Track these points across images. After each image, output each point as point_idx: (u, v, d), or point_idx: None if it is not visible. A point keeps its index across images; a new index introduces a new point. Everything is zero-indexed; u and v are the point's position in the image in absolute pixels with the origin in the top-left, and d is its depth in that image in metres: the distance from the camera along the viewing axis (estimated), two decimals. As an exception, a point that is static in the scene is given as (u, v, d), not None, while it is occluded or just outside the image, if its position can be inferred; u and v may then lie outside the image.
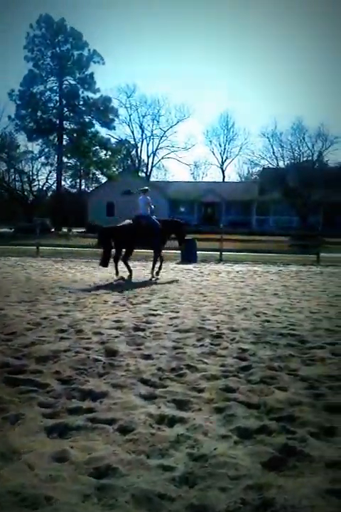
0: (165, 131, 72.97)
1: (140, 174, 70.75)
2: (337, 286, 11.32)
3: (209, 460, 2.82)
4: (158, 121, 72.89)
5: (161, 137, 73.70)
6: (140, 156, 75.91)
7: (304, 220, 41.89)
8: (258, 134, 51.67)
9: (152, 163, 75.31)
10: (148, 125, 73.51)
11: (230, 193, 54.42)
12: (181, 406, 3.66)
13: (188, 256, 17.55)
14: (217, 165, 79.07)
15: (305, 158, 48.46)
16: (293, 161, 47.99)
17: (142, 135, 73.94)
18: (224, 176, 76.75)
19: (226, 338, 5.81)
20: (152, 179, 70.66)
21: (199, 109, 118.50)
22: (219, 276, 13.12)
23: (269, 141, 48.73)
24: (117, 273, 11.92)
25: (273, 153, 48.53)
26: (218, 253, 19.59)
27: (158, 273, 12.48)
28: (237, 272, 14.44)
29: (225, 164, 78.47)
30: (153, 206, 12.70)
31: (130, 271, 11.89)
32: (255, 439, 3.11)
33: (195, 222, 50.68)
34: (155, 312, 7.46)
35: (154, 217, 12.58)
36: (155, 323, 6.61)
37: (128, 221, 12.33)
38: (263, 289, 10.33)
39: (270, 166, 49.90)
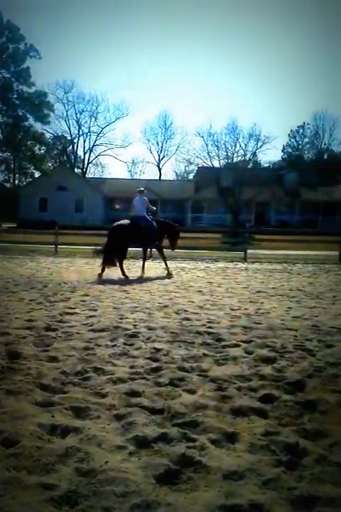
0: (102, 128, 72.26)
1: (76, 170, 69.54)
2: (259, 282, 11.44)
3: (97, 475, 2.55)
4: (95, 118, 72.11)
5: (98, 134, 72.92)
6: (76, 152, 74.72)
7: (236, 217, 42.57)
8: (194, 133, 52.21)
9: (89, 159, 74.36)
10: (86, 122, 72.55)
11: (166, 191, 54.58)
12: (78, 414, 3.37)
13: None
14: (154, 163, 79.24)
15: (238, 158, 49.41)
16: (227, 160, 48.78)
17: (79, 131, 72.86)
18: (160, 174, 76.98)
19: (142, 338, 5.59)
20: (88, 176, 69.76)
21: (138, 108, 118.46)
22: (146, 273, 12.89)
23: (204, 140, 49.25)
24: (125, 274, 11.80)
25: (208, 152, 49.09)
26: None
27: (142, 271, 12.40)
28: (164, 268, 14.25)
29: (162, 162, 78.80)
30: (154, 208, 13.18)
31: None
32: (152, 449, 2.88)
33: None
34: (72, 310, 7.13)
35: (150, 217, 12.69)
36: (69, 323, 6.28)
37: (126, 221, 12.36)
38: (187, 286, 10.23)
39: (204, 164, 50.46)
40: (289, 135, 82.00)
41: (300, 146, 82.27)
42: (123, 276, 11.66)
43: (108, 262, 11.79)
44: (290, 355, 5.04)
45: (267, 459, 2.79)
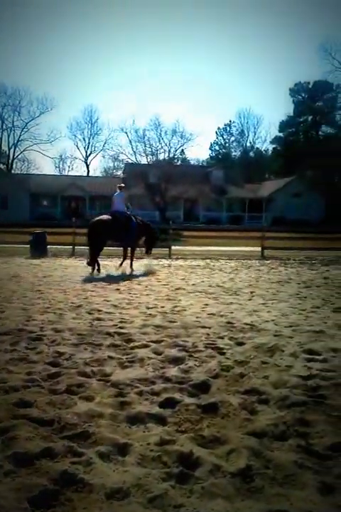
0: (26, 123, 70.13)
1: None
2: (180, 279, 11.36)
3: None
4: (19, 113, 69.88)
5: (23, 129, 70.68)
6: (0, 147, 72.03)
7: (163, 214, 42.58)
8: (117, 128, 51.44)
9: (14, 155, 71.85)
10: (9, 116, 70.09)
11: (94, 188, 53.66)
12: None
13: (37, 250, 16.60)
14: (81, 159, 77.89)
15: (162, 154, 49.48)
16: (152, 157, 48.69)
17: (2, 126, 70.25)
18: (88, 171, 75.88)
19: (46, 341, 5.27)
20: (14, 171, 67.50)
21: (64, 102, 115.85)
22: (66, 271, 12.49)
23: (127, 136, 48.86)
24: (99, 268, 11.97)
25: (133, 148, 48.76)
26: (71, 247, 18.91)
27: (121, 265, 12.78)
28: (85, 266, 13.87)
29: (90, 159, 77.63)
30: (129, 204, 13.22)
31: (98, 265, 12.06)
32: (32, 467, 2.62)
33: (58, 216, 49.26)
34: (-26, 313, 6.67)
35: (130, 213, 12.84)
36: (-31, 326, 5.85)
37: (106, 216, 12.41)
38: (105, 285, 9.94)
39: (129, 161, 50.09)
40: (216, 133, 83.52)
41: (227, 144, 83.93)
42: (90, 268, 11.93)
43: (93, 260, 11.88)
44: (199, 355, 4.92)
45: (157, 472, 2.61)
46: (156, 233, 14.26)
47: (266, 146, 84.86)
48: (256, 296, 9.03)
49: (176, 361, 4.68)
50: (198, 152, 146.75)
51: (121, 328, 5.94)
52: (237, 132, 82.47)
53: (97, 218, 12.27)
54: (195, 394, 3.84)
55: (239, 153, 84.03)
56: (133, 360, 4.60)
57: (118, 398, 3.62)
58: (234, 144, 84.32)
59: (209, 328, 6.20)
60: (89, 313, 6.80)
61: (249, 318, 6.84)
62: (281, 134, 75.56)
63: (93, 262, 11.93)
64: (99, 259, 12.28)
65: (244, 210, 56.00)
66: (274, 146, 79.19)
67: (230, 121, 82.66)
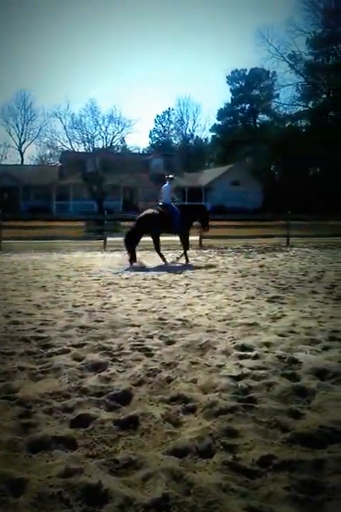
0: None
1: None
2: (114, 273, 10.91)
3: None
4: None
5: None
6: None
7: (100, 204, 41.68)
8: (50, 114, 49.35)
9: None
10: None
11: (29, 178, 51.90)
12: None
13: None
14: (15, 147, 75.12)
15: (100, 141, 48.36)
16: (88, 144, 47.45)
17: None
18: (22, 159, 73.33)
19: None
20: None
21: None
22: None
23: (61, 121, 47.33)
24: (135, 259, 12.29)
25: (67, 135, 47.27)
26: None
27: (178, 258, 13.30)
28: (12, 262, 13.19)
29: (24, 146, 75.01)
30: (174, 195, 13.41)
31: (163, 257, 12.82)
32: None
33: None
34: None
35: (174, 204, 13.06)
36: None
37: (151, 210, 12.91)
38: (31, 281, 9.34)
39: (64, 148, 48.59)
40: (155, 120, 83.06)
41: (166, 132, 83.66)
42: (163, 262, 12.62)
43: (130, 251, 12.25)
44: (124, 358, 4.52)
45: (53, 516, 2.18)
46: (208, 212, 14.66)
47: (205, 134, 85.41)
48: (191, 289, 8.74)
49: (97, 368, 4.25)
50: (138, 140, 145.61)
51: (40, 331, 5.41)
52: (176, 120, 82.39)
53: (144, 213, 12.77)
54: (114, 407, 3.44)
55: (179, 141, 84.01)
56: (47, 370, 4.12)
57: (23, 419, 3.15)
58: (174, 131, 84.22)
59: (139, 326, 5.82)
60: (6, 317, 6.19)
61: (181, 313, 6.52)
62: (220, 122, 76.17)
63: (133, 257, 12.31)
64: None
65: (184, 198, 55.97)
66: (213, 134, 79.78)
67: (169, 108, 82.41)
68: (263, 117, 73.76)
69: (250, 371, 4.04)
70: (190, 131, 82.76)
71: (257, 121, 74.28)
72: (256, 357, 4.47)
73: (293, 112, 62.48)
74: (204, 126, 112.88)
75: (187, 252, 13.15)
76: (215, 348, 4.81)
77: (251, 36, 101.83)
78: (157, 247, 12.99)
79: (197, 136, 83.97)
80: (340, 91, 57.76)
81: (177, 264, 12.75)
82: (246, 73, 71.23)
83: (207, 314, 6.46)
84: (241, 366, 4.19)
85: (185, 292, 8.36)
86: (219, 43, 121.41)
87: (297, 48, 58.27)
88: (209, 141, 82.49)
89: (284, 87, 62.02)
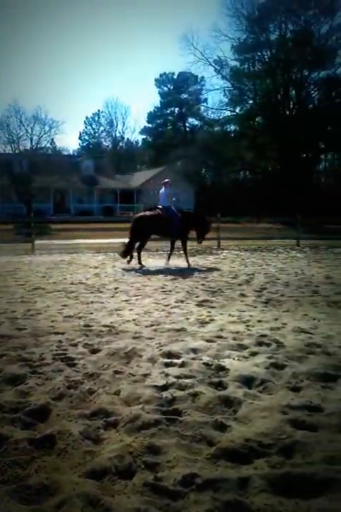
0: None
1: None
2: (40, 277, 10.50)
3: None
4: None
5: None
6: None
7: (29, 206, 40.51)
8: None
9: None
10: None
11: None
12: None
13: None
14: None
15: (25, 142, 47.15)
16: (14, 145, 46.10)
17: None
18: None
19: None
20: None
21: None
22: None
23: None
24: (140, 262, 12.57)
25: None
26: None
27: (187, 260, 13.22)
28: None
29: None
30: (174, 199, 13.49)
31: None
32: None
33: None
34: None
35: (173, 208, 13.15)
36: None
37: (149, 212, 13.09)
38: None
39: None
40: (85, 122, 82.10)
41: (96, 134, 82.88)
42: (139, 265, 12.50)
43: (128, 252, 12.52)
44: (45, 370, 4.25)
45: None
46: (208, 224, 14.33)
47: (135, 136, 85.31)
48: (119, 293, 8.53)
49: (14, 381, 3.97)
50: (68, 142, 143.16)
51: None
52: (106, 122, 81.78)
53: (140, 214, 12.97)
54: (30, 424, 3.19)
55: (110, 143, 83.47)
56: None
57: None
58: (104, 134, 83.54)
59: (63, 333, 5.55)
60: None
61: (108, 319, 6.31)
62: (150, 125, 76.38)
63: (127, 253, 12.62)
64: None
65: (115, 201, 55.60)
66: (144, 136, 79.93)
67: (99, 110, 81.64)
68: (192, 121, 74.82)
69: (176, 380, 3.91)
70: (119, 133, 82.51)
71: (187, 124, 75.22)
72: (182, 365, 4.34)
73: (221, 116, 63.78)
74: (134, 129, 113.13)
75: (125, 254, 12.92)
76: (141, 356, 4.65)
77: (178, 40, 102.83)
78: (140, 247, 12.95)
79: (127, 139, 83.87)
80: (266, 97, 59.59)
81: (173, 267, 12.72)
82: (175, 77, 71.90)
83: (134, 320, 6.28)
84: (166, 375, 4.05)
85: (113, 296, 8.15)
86: (147, 46, 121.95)
87: (222, 54, 59.54)
88: (140, 143, 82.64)
89: (212, 92, 63.23)
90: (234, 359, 4.49)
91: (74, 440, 2.95)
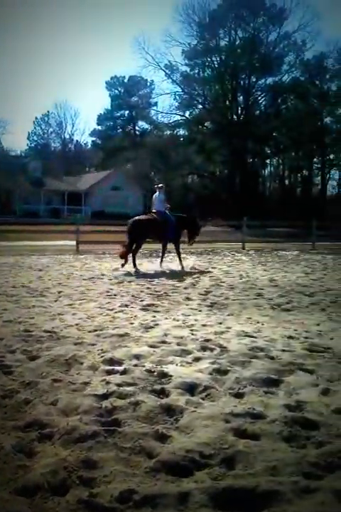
0: None
1: None
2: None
3: None
4: None
5: None
6: None
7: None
8: None
9: None
10: None
11: None
12: None
13: None
14: None
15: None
16: None
17: None
18: None
19: None
20: None
21: None
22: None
23: None
24: (135, 265, 12.46)
25: None
26: None
27: (161, 261, 13.40)
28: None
29: None
30: (168, 205, 13.50)
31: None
32: None
33: None
34: None
35: (168, 212, 13.26)
36: None
37: (144, 216, 13.31)
38: None
39: None
40: (34, 123, 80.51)
41: (45, 135, 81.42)
42: (134, 269, 12.31)
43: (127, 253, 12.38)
44: (-22, 379, 4.00)
45: None
46: (200, 226, 14.77)
47: (85, 138, 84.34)
48: (63, 297, 8.28)
49: None
50: (16, 142, 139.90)
51: None
52: (56, 123, 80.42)
53: (136, 218, 12.94)
54: None
55: (59, 144, 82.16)
56: None
57: None
58: (53, 135, 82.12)
59: (1, 339, 5.29)
60: None
61: (50, 324, 6.08)
62: (99, 127, 75.77)
63: (125, 256, 12.40)
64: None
65: (63, 202, 54.70)
66: (93, 139, 79.19)
67: (48, 111, 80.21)
68: (142, 124, 74.76)
69: (117, 388, 3.76)
70: (69, 135, 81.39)
71: (137, 128, 75.12)
72: (124, 372, 4.20)
73: (171, 120, 64.05)
74: (83, 131, 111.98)
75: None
76: (82, 363, 4.47)
77: (129, 43, 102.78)
78: (135, 250, 12.78)
79: (77, 141, 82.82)
80: (215, 102, 60.35)
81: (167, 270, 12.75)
82: (125, 80, 71.67)
83: (77, 324, 6.08)
84: (107, 383, 3.90)
85: (56, 300, 7.89)
86: (98, 48, 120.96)
87: (173, 58, 59.74)
88: (90, 145, 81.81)
89: (162, 96, 63.51)
90: (177, 365, 4.40)
91: (5, 454, 2.76)
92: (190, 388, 3.79)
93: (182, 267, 12.99)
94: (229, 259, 16.58)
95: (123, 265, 12.37)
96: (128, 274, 11.69)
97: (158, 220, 12.90)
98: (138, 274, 11.76)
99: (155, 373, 4.14)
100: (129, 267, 12.39)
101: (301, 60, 59.30)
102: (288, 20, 55.46)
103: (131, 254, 12.56)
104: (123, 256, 12.40)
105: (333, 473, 2.58)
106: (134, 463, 2.69)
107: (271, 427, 3.07)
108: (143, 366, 4.34)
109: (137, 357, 4.65)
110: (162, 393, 3.74)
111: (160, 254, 13.83)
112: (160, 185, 14.12)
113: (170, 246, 13.91)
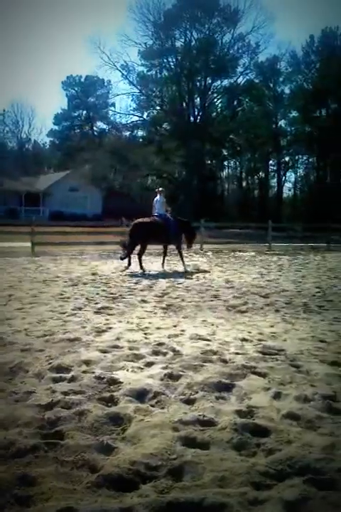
0: None
1: None
2: None
3: None
4: None
5: None
6: None
7: None
8: None
9: None
10: None
11: None
12: None
13: None
14: None
15: None
16: None
17: None
18: None
19: None
20: None
21: None
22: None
23: None
24: (142, 267, 12.67)
25: None
26: None
27: (163, 263, 13.63)
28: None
29: None
30: (169, 208, 13.94)
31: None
32: None
33: None
34: None
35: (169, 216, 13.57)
36: None
37: (146, 219, 13.26)
38: None
39: None
40: (-11, 122, 78.48)
41: (1, 134, 79.52)
42: (141, 270, 12.54)
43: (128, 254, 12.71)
44: None
45: None
46: (194, 229, 15.44)
47: (42, 138, 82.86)
48: (13, 300, 7.97)
49: None
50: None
51: None
52: (12, 122, 78.64)
53: (138, 221, 12.99)
54: None
55: (15, 144, 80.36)
56: None
57: None
58: (9, 134, 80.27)
59: None
60: None
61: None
62: (57, 127, 74.65)
63: (128, 258, 12.72)
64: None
65: (20, 203, 53.50)
66: (51, 139, 77.94)
67: (4, 110, 78.36)
68: (101, 125, 74.08)
69: (62, 397, 3.57)
70: (26, 134, 79.80)
71: (95, 128, 74.36)
72: (72, 379, 4.02)
73: (129, 121, 63.69)
74: (40, 130, 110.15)
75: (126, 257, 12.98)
76: (27, 371, 4.26)
77: (85, 42, 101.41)
78: (140, 253, 12.99)
79: (34, 141, 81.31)
80: (172, 103, 60.40)
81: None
82: (82, 80, 70.83)
83: (26, 330, 5.83)
84: (53, 392, 3.71)
85: (5, 304, 7.58)
86: (55, 46, 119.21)
87: (129, 58, 59.28)
88: (48, 146, 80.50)
89: (120, 96, 63.08)
90: (128, 371, 4.24)
91: None
92: (140, 395, 3.66)
93: (185, 269, 13.16)
94: (186, 261, 16.50)
95: (127, 267, 12.58)
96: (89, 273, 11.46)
97: (159, 222, 13.09)
98: (145, 274, 12.19)
99: (105, 380, 3.98)
100: (124, 269, 12.61)
101: (255, 63, 60.01)
102: (241, 22, 55.73)
103: (130, 255, 12.80)
104: (127, 258, 12.72)
105: (283, 482, 2.50)
106: (75, 478, 2.53)
107: (221, 434, 2.96)
108: (93, 373, 4.17)
109: (87, 363, 4.47)
110: (110, 401, 3.58)
111: (162, 257, 14.02)
112: (160, 188, 14.57)
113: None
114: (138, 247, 13.07)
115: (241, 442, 2.87)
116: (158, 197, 13.84)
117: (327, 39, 59.24)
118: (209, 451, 2.77)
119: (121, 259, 13.11)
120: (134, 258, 13.09)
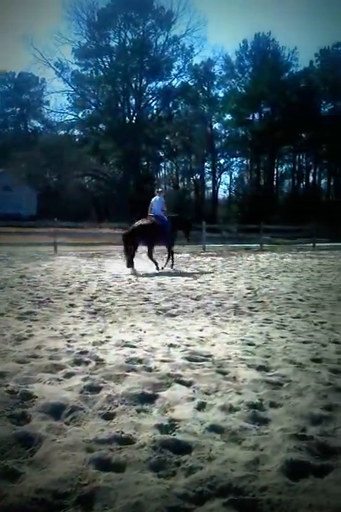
0: None
1: None
2: None
3: None
4: None
5: None
6: None
7: None
8: None
9: None
10: None
11: None
12: None
13: None
14: None
15: None
16: None
17: None
18: None
19: None
20: None
21: None
22: None
23: None
24: (157, 264, 13.45)
25: None
26: None
27: (172, 265, 13.86)
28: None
29: None
30: (164, 209, 13.97)
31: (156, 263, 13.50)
32: None
33: None
34: None
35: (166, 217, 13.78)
36: None
37: (146, 220, 13.49)
38: None
39: None
40: None
41: None
42: (155, 267, 13.38)
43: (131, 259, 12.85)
44: None
45: None
46: (189, 221, 16.12)
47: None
48: None
49: None
50: None
51: None
52: None
53: (138, 223, 13.30)
54: None
55: None
56: None
57: None
58: None
59: None
60: None
61: None
62: (-13, 125, 71.92)
63: (131, 263, 12.86)
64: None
65: None
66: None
67: None
68: (34, 123, 72.10)
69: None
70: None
71: (29, 126, 72.27)
72: (-20, 393, 3.68)
73: (64, 120, 62.43)
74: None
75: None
76: None
77: (18, 38, 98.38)
78: (149, 253, 13.51)
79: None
80: (108, 104, 59.82)
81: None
82: (16, 76, 68.68)
83: None
84: None
85: None
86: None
87: (63, 57, 58.09)
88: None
89: (55, 95, 61.62)
90: (45, 383, 3.94)
91: None
92: (55, 411, 3.37)
93: (173, 268, 13.76)
94: (120, 262, 16.23)
95: (133, 269, 12.72)
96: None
97: (157, 224, 13.30)
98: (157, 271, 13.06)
99: (18, 394, 3.66)
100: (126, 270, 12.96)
101: (190, 66, 60.68)
102: (175, 25, 56.05)
103: (131, 256, 13.02)
104: (130, 264, 12.87)
105: (202, 505, 2.32)
106: (-31, 514, 2.24)
107: (138, 453, 2.75)
108: (6, 386, 3.84)
109: (1, 375, 4.13)
110: (22, 418, 3.28)
111: (166, 257, 14.37)
112: (160, 189, 15.03)
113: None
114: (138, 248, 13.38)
115: (160, 461, 2.67)
116: (157, 197, 13.95)
117: (260, 44, 60.72)
118: (123, 474, 2.55)
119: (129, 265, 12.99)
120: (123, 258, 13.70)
